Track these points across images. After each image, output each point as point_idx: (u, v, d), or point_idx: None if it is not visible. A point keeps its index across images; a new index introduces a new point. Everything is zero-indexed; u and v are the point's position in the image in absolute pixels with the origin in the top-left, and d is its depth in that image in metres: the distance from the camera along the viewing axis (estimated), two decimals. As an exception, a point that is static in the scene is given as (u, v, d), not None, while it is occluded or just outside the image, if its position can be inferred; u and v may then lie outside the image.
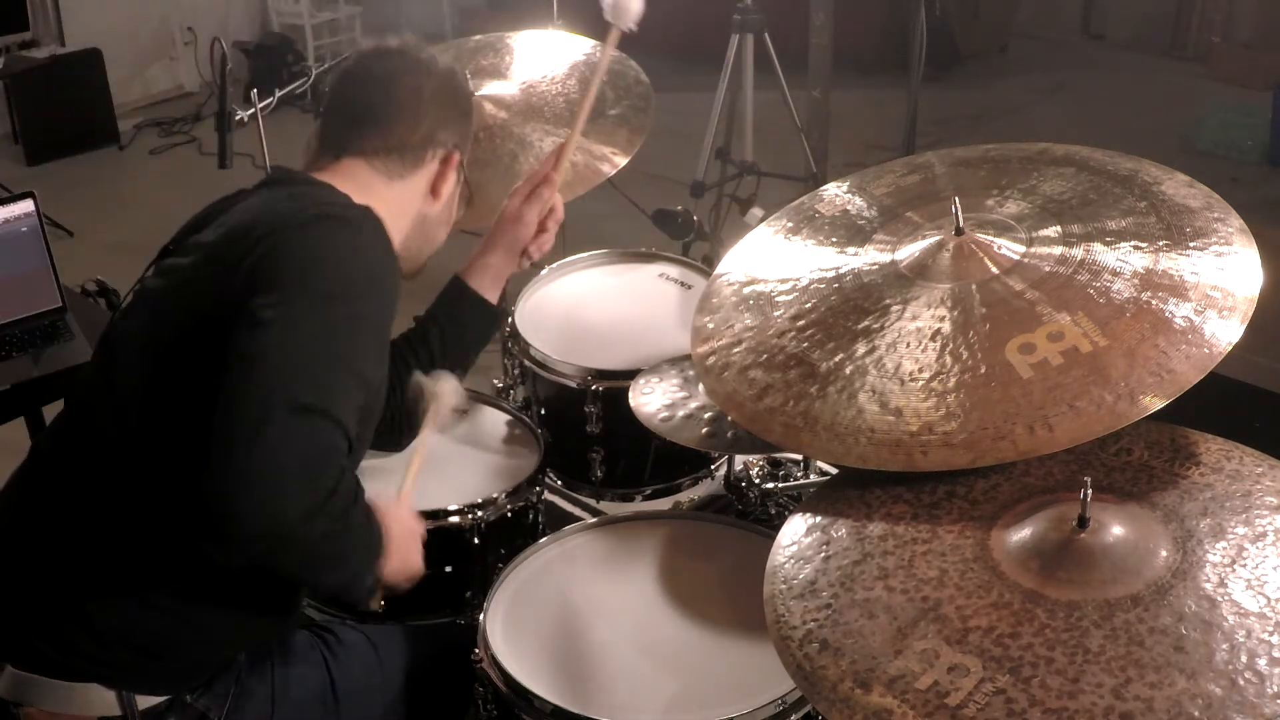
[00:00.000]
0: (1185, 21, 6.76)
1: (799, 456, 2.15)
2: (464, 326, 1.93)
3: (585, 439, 2.17)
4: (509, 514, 1.98)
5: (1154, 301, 1.47)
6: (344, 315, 1.45)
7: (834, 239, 1.80)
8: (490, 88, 2.41)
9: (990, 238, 1.63)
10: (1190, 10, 6.73)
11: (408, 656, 1.79)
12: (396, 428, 1.91)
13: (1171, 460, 1.45)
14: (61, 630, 1.52)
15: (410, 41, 1.77)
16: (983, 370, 1.46)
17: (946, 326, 1.53)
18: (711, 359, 1.70)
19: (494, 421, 2.21)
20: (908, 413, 1.46)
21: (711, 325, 1.77)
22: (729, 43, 4.02)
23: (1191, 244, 1.54)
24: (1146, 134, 5.36)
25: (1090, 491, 1.31)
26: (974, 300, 1.55)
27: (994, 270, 1.59)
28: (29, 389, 2.52)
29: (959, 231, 1.63)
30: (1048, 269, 1.56)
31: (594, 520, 2.00)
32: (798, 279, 1.74)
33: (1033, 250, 1.60)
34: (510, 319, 2.30)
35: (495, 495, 1.96)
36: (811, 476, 2.13)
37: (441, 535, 1.91)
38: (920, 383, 1.48)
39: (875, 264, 1.70)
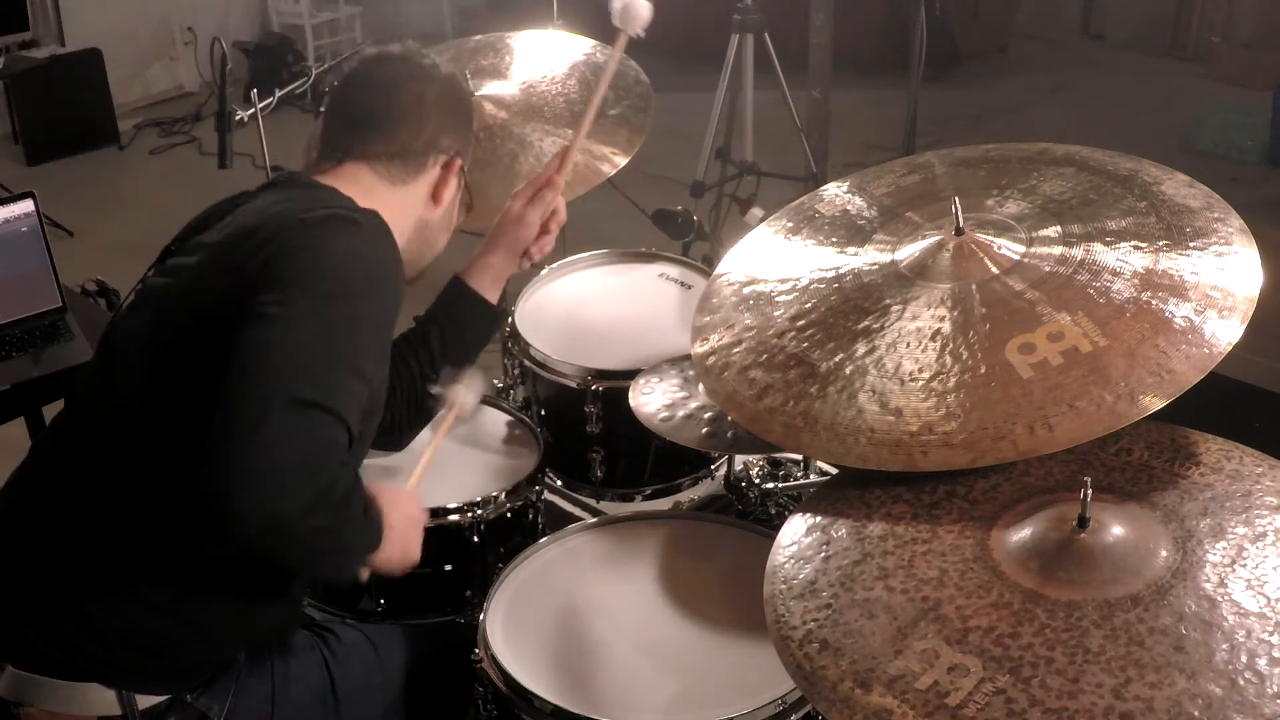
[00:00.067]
0: (1185, 21, 6.76)
1: (799, 456, 2.15)
2: (464, 326, 1.93)
3: (585, 439, 2.17)
4: (509, 513, 1.98)
5: (1154, 301, 1.47)
6: (346, 315, 1.46)
7: (834, 239, 1.80)
8: (490, 88, 2.41)
9: (990, 238, 1.63)
10: (1190, 10, 6.73)
11: (408, 656, 1.79)
12: (397, 428, 1.91)
13: (1171, 460, 1.45)
14: (62, 630, 1.52)
15: (412, 47, 1.78)
16: (983, 370, 1.46)
17: (946, 326, 1.53)
18: (711, 359, 1.70)
19: (494, 421, 2.21)
20: (908, 413, 1.46)
21: (711, 325, 1.76)
22: (729, 43, 4.02)
23: (1191, 244, 1.54)
24: (1146, 134, 5.36)
25: (1090, 491, 1.31)
26: (974, 300, 1.55)
27: (994, 270, 1.59)
28: (29, 389, 2.52)
29: (959, 231, 1.63)
30: (1048, 269, 1.56)
31: (594, 520, 2.00)
32: (798, 279, 1.74)
33: (1033, 250, 1.60)
34: (510, 319, 2.30)
35: (495, 494, 1.96)
36: (811, 476, 2.13)
37: (441, 534, 1.91)
38: (920, 383, 1.48)
39: (875, 264, 1.70)
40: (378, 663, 1.76)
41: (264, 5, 6.92)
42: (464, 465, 2.08)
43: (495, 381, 2.40)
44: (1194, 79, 6.38)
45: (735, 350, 1.69)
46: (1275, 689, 1.13)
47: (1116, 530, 1.32)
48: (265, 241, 1.50)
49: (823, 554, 1.41)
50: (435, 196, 1.76)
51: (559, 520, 2.18)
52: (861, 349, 1.56)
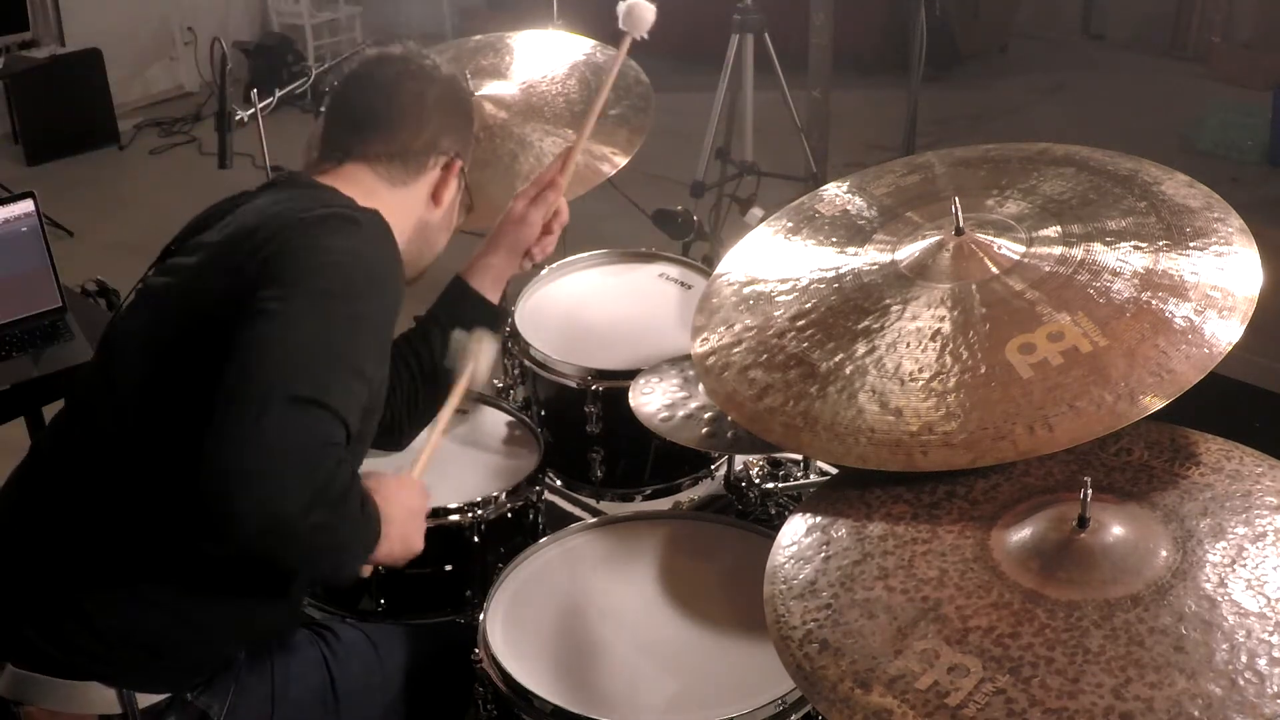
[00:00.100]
0: (1185, 21, 6.76)
1: (799, 456, 2.15)
2: (465, 326, 1.93)
3: (585, 439, 2.17)
4: (509, 513, 1.98)
5: (1154, 301, 1.47)
6: (345, 314, 1.46)
7: (834, 239, 1.80)
8: (490, 88, 2.41)
9: (990, 238, 1.63)
10: (1190, 10, 6.73)
11: (408, 655, 1.79)
12: (397, 427, 1.91)
13: (1171, 460, 1.45)
14: (62, 629, 1.52)
15: (413, 48, 1.78)
16: (983, 370, 1.46)
17: (946, 326, 1.53)
18: (711, 359, 1.70)
19: (494, 421, 2.21)
20: (908, 413, 1.46)
21: (711, 325, 1.76)
22: (729, 43, 4.02)
23: (1191, 244, 1.54)
24: (1146, 134, 5.36)
25: (1090, 491, 1.31)
26: (974, 300, 1.55)
27: (994, 270, 1.59)
28: (29, 389, 2.52)
29: (959, 231, 1.63)
30: (1048, 269, 1.56)
31: (594, 520, 2.00)
32: (798, 279, 1.74)
33: (1033, 250, 1.60)
34: (510, 319, 2.30)
35: (495, 494, 1.96)
36: (811, 476, 2.13)
37: (442, 534, 1.91)
38: (920, 383, 1.48)
39: (875, 264, 1.70)
40: (378, 662, 1.76)
41: (264, 5, 6.92)
42: (464, 465, 2.08)
43: (495, 381, 2.40)
44: (1194, 79, 6.39)
45: (735, 350, 1.69)
46: (1275, 689, 1.13)
47: (1116, 530, 1.32)
48: (265, 241, 1.50)
49: (823, 554, 1.41)
50: (435, 197, 1.76)
51: (559, 520, 2.18)
52: (861, 349, 1.56)
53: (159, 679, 1.56)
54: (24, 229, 2.70)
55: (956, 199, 1.65)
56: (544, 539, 1.93)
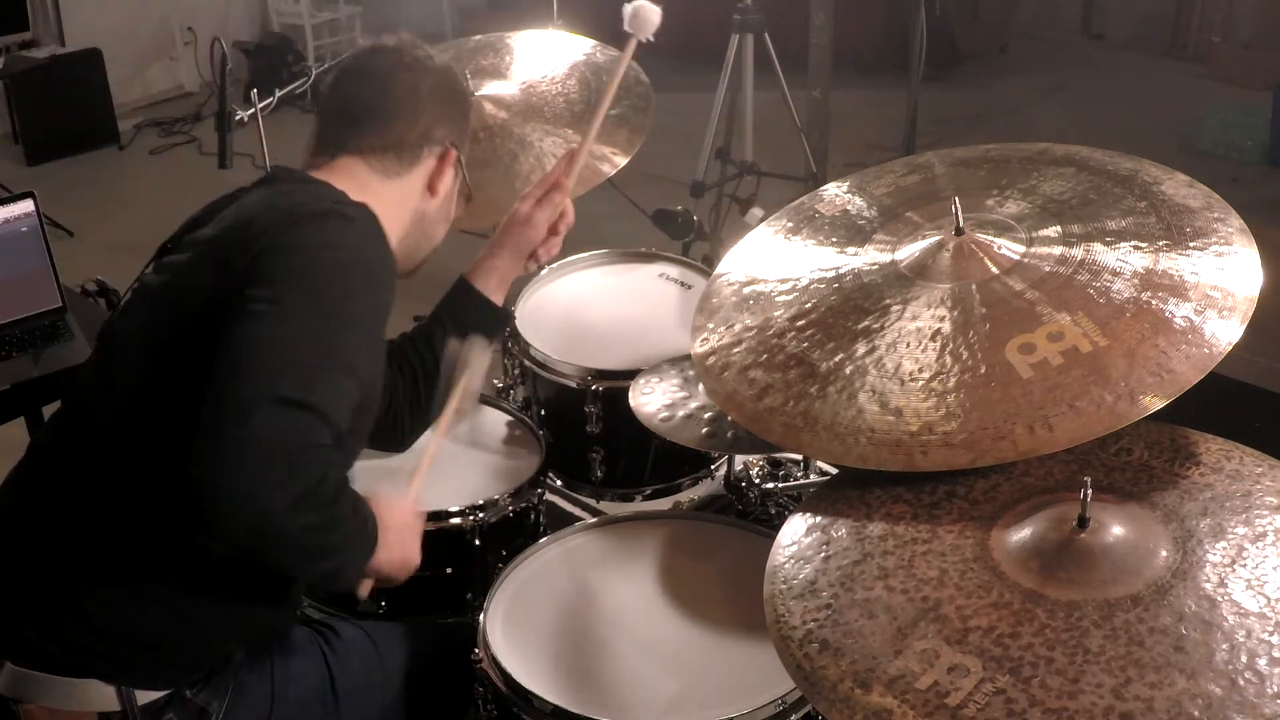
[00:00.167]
0: (1185, 21, 6.76)
1: (799, 456, 2.15)
2: (469, 327, 1.92)
3: (585, 439, 2.17)
4: (510, 515, 1.98)
5: (1154, 301, 1.47)
6: (335, 311, 1.45)
7: (834, 239, 1.80)
8: (490, 88, 2.41)
9: (990, 238, 1.63)
10: (1190, 10, 6.73)
11: (408, 654, 1.79)
12: (399, 428, 1.91)
13: (1171, 460, 1.45)
14: (61, 627, 1.52)
15: (407, 40, 1.77)
16: (983, 370, 1.46)
17: (946, 326, 1.53)
18: (711, 359, 1.70)
19: (495, 422, 2.21)
20: (908, 413, 1.46)
21: (711, 325, 1.76)
22: (729, 43, 4.02)
23: (1191, 244, 1.54)
24: (1146, 134, 5.36)
25: (1090, 491, 1.31)
26: (974, 300, 1.55)
27: (994, 270, 1.59)
28: (29, 389, 2.52)
29: (959, 231, 1.63)
30: (1048, 269, 1.56)
31: (594, 520, 2.00)
32: (798, 279, 1.74)
33: (1033, 250, 1.60)
34: (511, 320, 2.30)
35: (497, 497, 1.96)
36: (811, 476, 2.13)
37: (442, 536, 1.91)
38: (920, 383, 1.48)
39: (875, 264, 1.70)
40: (378, 660, 1.76)
41: (264, 5, 6.92)
42: (465, 466, 2.08)
43: (495, 381, 2.40)
44: (1194, 79, 6.39)
45: (735, 350, 1.69)
46: (1275, 689, 1.13)
47: (1116, 530, 1.32)
48: (255, 237, 1.50)
49: (823, 554, 1.41)
50: (431, 188, 1.75)
51: (559, 520, 2.18)
52: (861, 349, 1.56)
53: (159, 676, 1.56)
54: (24, 229, 2.70)
55: (956, 199, 1.65)
56: (544, 539, 1.93)
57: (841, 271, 1.71)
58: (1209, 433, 1.48)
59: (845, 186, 1.93)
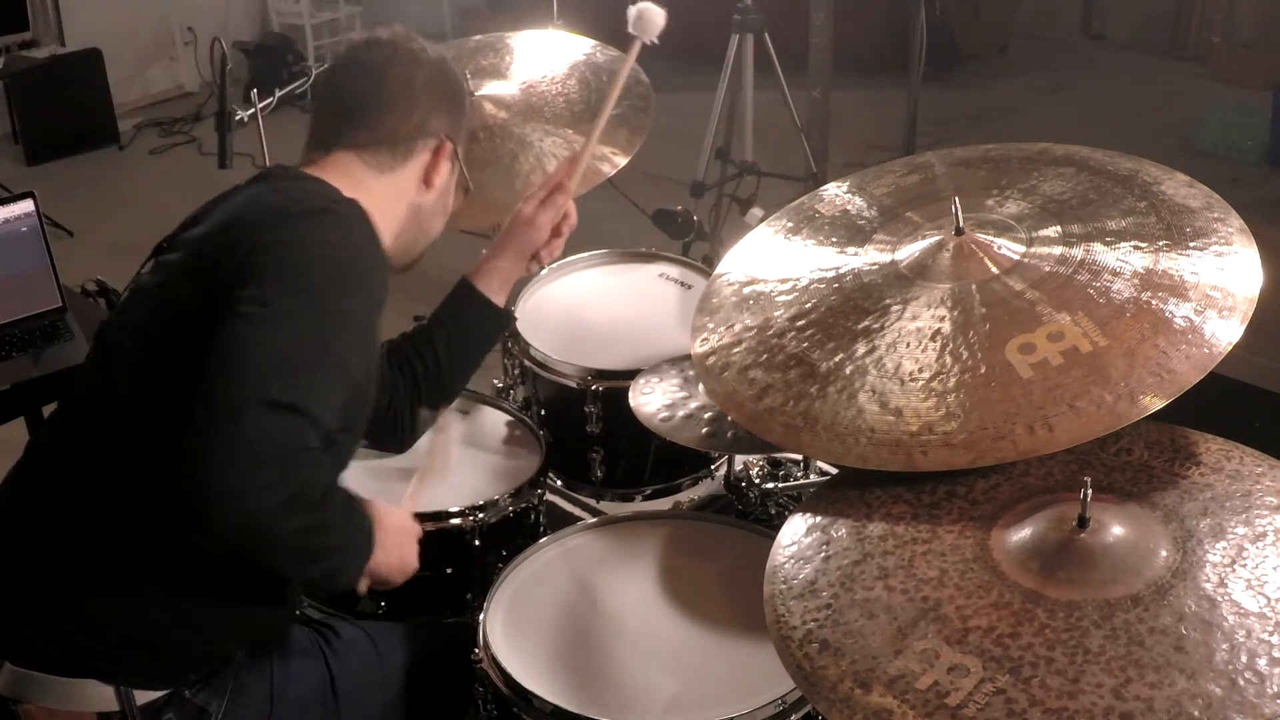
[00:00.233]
0: (1185, 21, 6.76)
1: (799, 456, 2.15)
2: (471, 329, 1.93)
3: (585, 439, 2.17)
4: (510, 515, 1.98)
5: (1154, 301, 1.47)
6: (325, 310, 1.45)
7: (834, 239, 1.80)
8: (490, 88, 2.41)
9: (990, 238, 1.63)
10: (1190, 10, 6.73)
11: (408, 654, 1.79)
12: (400, 428, 1.91)
13: (1171, 460, 1.45)
14: (61, 627, 1.52)
15: (401, 32, 1.76)
16: (983, 370, 1.46)
17: (946, 326, 1.53)
18: (711, 359, 1.70)
19: (495, 422, 2.21)
20: (908, 413, 1.46)
21: (711, 325, 1.76)
22: (729, 43, 4.02)
23: (1191, 244, 1.54)
24: (1146, 134, 5.36)
25: (1090, 491, 1.31)
26: (974, 300, 1.55)
27: (994, 270, 1.59)
28: (29, 389, 2.52)
29: (959, 231, 1.63)
30: (1048, 269, 1.56)
31: (594, 520, 2.00)
32: (798, 279, 1.74)
33: (1033, 250, 1.60)
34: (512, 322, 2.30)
35: (497, 497, 1.96)
36: (811, 476, 2.13)
37: (443, 537, 1.91)
38: (920, 383, 1.48)
39: (875, 264, 1.70)
40: (378, 660, 1.76)
41: (264, 5, 6.93)
42: (465, 466, 2.08)
43: (495, 381, 2.40)
44: (1194, 79, 6.39)
45: (735, 350, 1.69)
46: (1275, 689, 1.13)
47: (1116, 530, 1.32)
48: (245, 236, 1.50)
49: (823, 554, 1.41)
50: (427, 181, 1.74)
51: (559, 520, 2.18)
52: (861, 349, 1.56)
53: (158, 676, 1.56)
54: (24, 229, 2.70)
55: (956, 199, 1.64)
56: (544, 539, 1.93)
57: (841, 271, 1.71)
58: (1209, 433, 1.48)
59: (845, 186, 1.92)
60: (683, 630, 1.74)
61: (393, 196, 1.71)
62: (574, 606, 1.80)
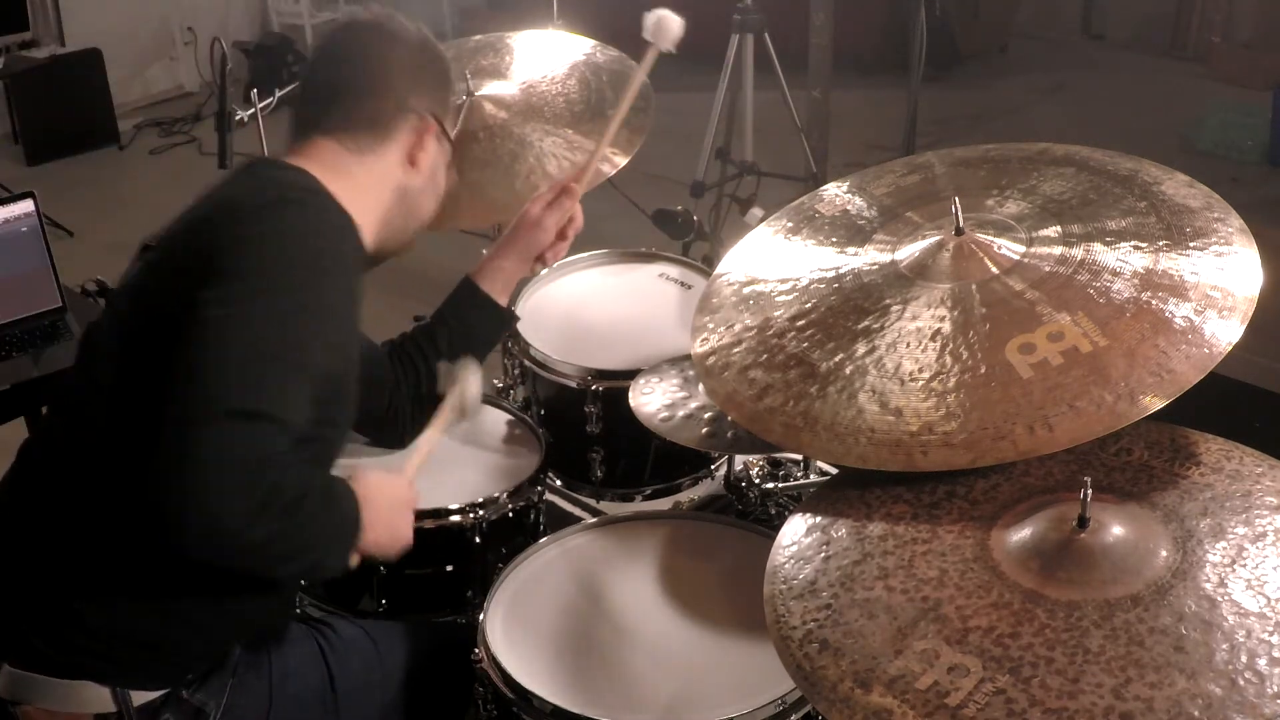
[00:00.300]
0: (1185, 21, 6.76)
1: (799, 456, 2.15)
2: (473, 328, 1.93)
3: (585, 439, 2.17)
4: (510, 514, 1.98)
5: (1154, 301, 1.47)
6: (287, 306, 1.43)
7: (834, 239, 1.80)
8: (490, 88, 2.41)
9: (990, 238, 1.63)
10: (1190, 10, 6.73)
11: (407, 653, 1.79)
12: (400, 424, 1.90)
13: (1171, 460, 1.45)
14: (58, 628, 1.52)
15: (382, 13, 1.73)
16: (983, 370, 1.46)
17: (946, 326, 1.53)
18: (711, 359, 1.70)
19: (495, 421, 2.21)
20: (908, 413, 1.46)
21: (711, 325, 1.76)
22: (729, 43, 4.03)
23: (1191, 244, 1.54)
24: (1146, 134, 5.36)
25: (1090, 491, 1.31)
26: (974, 300, 1.55)
27: (994, 270, 1.59)
28: (29, 389, 2.52)
29: (959, 231, 1.63)
30: (1048, 269, 1.56)
31: (594, 520, 2.00)
32: (798, 279, 1.74)
33: (1033, 250, 1.60)
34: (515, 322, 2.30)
35: (497, 495, 1.96)
36: (811, 476, 2.13)
37: (443, 535, 1.91)
38: (920, 383, 1.48)
39: (875, 264, 1.70)
40: (377, 659, 1.75)
41: (264, 5, 6.92)
42: (465, 464, 2.08)
43: (495, 381, 2.41)
44: (1194, 79, 6.39)
45: (735, 350, 1.69)
46: (1275, 689, 1.13)
47: (1116, 530, 1.31)
48: (208, 233, 1.49)
49: (823, 554, 1.41)
50: (412, 161, 1.71)
51: (559, 520, 2.18)
52: (861, 349, 1.56)
53: (158, 676, 1.56)
54: (24, 229, 2.70)
55: (956, 199, 1.64)
56: (544, 539, 1.93)
57: (841, 271, 1.71)
58: (1209, 433, 1.48)
59: (845, 186, 1.92)
60: (683, 630, 1.74)
61: (376, 180, 1.68)
62: (574, 606, 1.80)
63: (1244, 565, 1.27)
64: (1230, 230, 1.55)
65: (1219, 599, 1.23)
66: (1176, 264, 1.51)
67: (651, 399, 1.97)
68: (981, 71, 6.68)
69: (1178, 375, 1.38)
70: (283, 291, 1.44)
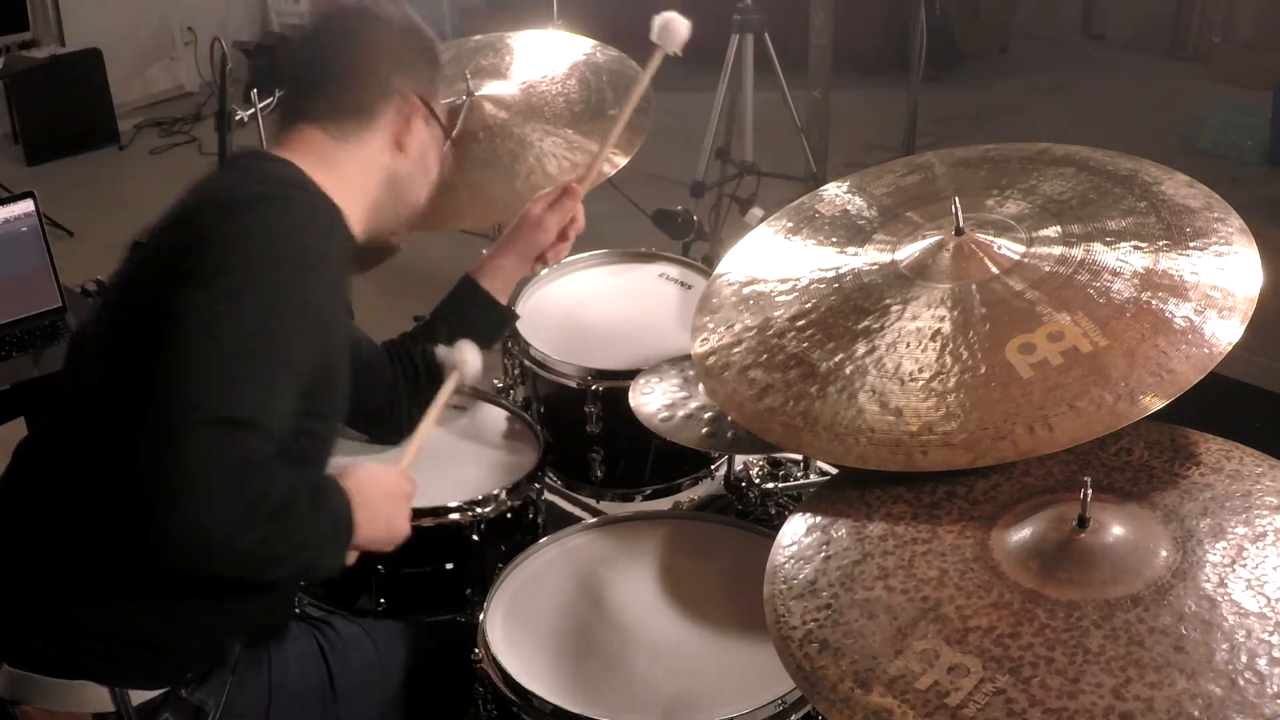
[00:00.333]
0: (1185, 21, 6.76)
1: (799, 456, 2.15)
2: (473, 325, 1.92)
3: (585, 439, 2.17)
4: (509, 512, 1.98)
5: (1154, 301, 1.47)
6: (266, 306, 1.41)
7: (834, 239, 1.80)
8: (490, 88, 2.41)
9: (990, 238, 1.63)
10: (1190, 10, 6.73)
11: (407, 652, 1.78)
12: (396, 421, 1.90)
13: (1171, 460, 1.45)
14: (56, 629, 1.51)
15: None
16: (983, 370, 1.46)
17: (946, 326, 1.53)
18: (711, 359, 1.70)
19: (493, 418, 2.21)
20: (908, 413, 1.46)
21: (711, 325, 1.76)
22: (729, 43, 4.02)
23: (1191, 244, 1.54)
24: (1146, 134, 5.35)
25: (1090, 491, 1.31)
26: (974, 300, 1.55)
27: (994, 270, 1.59)
28: (29, 389, 2.52)
29: (959, 231, 1.63)
30: (1048, 269, 1.56)
31: (594, 520, 2.00)
32: (798, 279, 1.74)
33: (1033, 250, 1.60)
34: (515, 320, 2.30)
35: (495, 492, 1.96)
36: (811, 476, 2.13)
37: (441, 533, 1.91)
38: (920, 383, 1.48)
39: (875, 264, 1.70)
40: (377, 658, 1.75)
41: (264, 5, 6.92)
42: (463, 462, 2.08)
43: (495, 381, 2.41)
44: (1194, 79, 6.38)
45: (735, 350, 1.69)
46: (1275, 689, 1.13)
47: (1116, 530, 1.31)
48: (187, 232, 1.48)
49: (823, 554, 1.41)
50: (399, 145, 1.68)
51: (559, 520, 2.18)
52: (861, 349, 1.56)
53: (158, 676, 1.55)
54: (24, 229, 2.70)
55: (956, 199, 1.64)
56: (544, 539, 1.93)
57: (841, 271, 1.71)
58: (1209, 433, 1.48)
59: (845, 186, 1.92)
60: (683, 630, 1.74)
61: (362, 167, 1.65)
62: (574, 606, 1.80)
63: (1244, 565, 1.27)
64: (1230, 230, 1.55)
65: (1219, 599, 1.23)
66: (1176, 264, 1.51)
67: (651, 399, 1.97)
68: (981, 71, 6.68)
69: (1178, 375, 1.38)
70: (265, 290, 1.42)
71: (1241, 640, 1.18)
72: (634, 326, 2.31)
